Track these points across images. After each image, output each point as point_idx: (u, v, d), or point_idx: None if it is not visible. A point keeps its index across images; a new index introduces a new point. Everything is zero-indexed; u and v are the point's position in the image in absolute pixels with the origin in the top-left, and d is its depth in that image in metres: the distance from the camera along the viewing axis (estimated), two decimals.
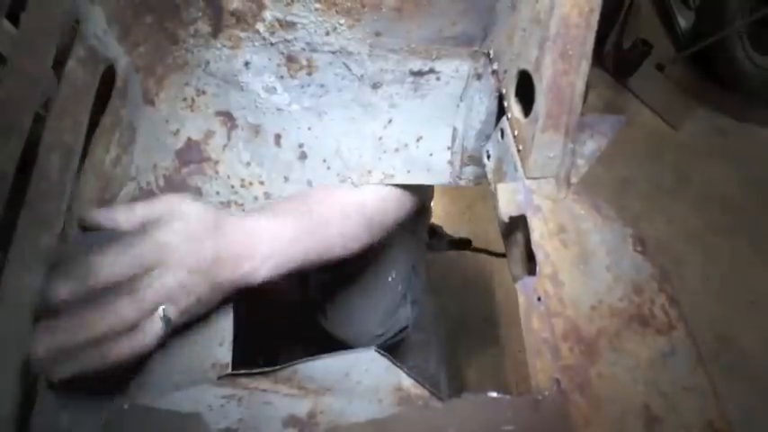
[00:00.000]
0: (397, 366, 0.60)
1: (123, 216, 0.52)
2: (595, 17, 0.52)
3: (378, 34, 0.63)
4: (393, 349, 1.13)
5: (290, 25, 0.62)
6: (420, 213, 1.09)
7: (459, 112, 0.72)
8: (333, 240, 0.69)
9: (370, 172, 0.73)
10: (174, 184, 0.66)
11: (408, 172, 0.74)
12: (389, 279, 1.06)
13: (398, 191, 0.75)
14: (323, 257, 0.68)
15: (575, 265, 0.52)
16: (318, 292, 1.10)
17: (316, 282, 1.10)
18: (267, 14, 0.61)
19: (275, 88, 0.67)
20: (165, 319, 0.51)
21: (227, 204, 0.69)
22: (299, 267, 0.65)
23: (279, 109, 0.68)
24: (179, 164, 0.67)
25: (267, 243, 0.61)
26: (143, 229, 0.51)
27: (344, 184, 0.72)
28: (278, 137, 0.70)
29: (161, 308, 0.51)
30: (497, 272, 1.82)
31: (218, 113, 0.68)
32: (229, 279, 0.58)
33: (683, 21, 2.69)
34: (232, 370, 0.60)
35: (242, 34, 0.63)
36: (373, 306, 1.05)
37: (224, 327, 0.63)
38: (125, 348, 0.49)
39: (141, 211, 0.53)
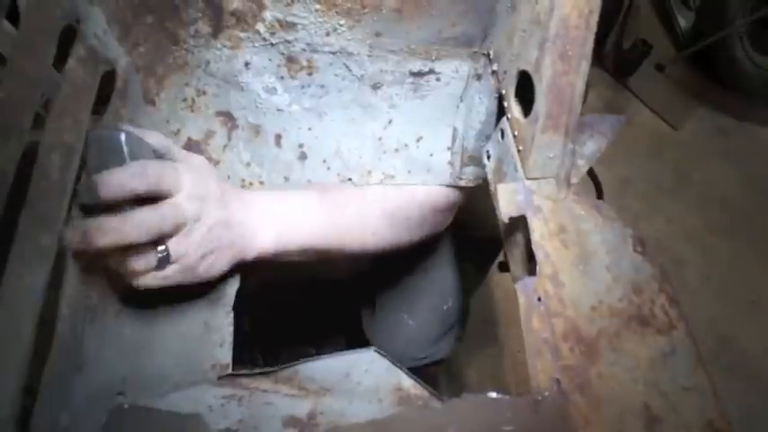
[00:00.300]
0: (397, 367, 0.60)
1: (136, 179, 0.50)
2: (595, 18, 0.52)
3: (378, 35, 0.64)
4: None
5: (290, 26, 0.62)
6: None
7: (459, 113, 0.72)
8: (350, 226, 0.68)
9: (370, 172, 0.73)
10: None
11: (408, 172, 0.73)
12: (445, 308, 1.02)
13: (431, 189, 0.73)
14: (343, 243, 0.68)
15: (575, 266, 0.52)
16: (370, 295, 1.07)
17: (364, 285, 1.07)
18: (267, 15, 0.61)
19: (275, 89, 0.67)
20: (162, 257, 0.51)
21: None
22: (312, 247, 0.65)
23: (279, 109, 0.68)
24: None
25: (276, 214, 0.62)
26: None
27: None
28: (278, 137, 0.70)
29: (160, 247, 0.51)
30: (497, 272, 1.83)
31: (219, 114, 0.68)
32: (236, 245, 0.58)
33: (683, 21, 2.69)
34: (232, 370, 0.60)
35: (242, 35, 0.63)
36: (423, 331, 1.00)
37: (224, 327, 0.63)
38: (128, 265, 0.50)
39: (153, 171, 0.51)
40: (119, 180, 0.48)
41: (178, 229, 0.52)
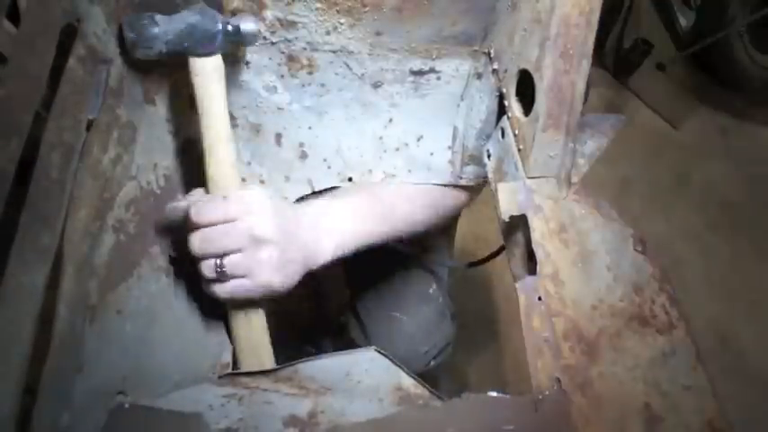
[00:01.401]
0: (398, 366, 0.60)
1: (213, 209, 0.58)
2: (596, 17, 0.52)
3: (378, 34, 0.63)
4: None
5: (290, 24, 0.62)
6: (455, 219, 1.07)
7: (460, 112, 0.72)
8: (398, 224, 0.72)
9: (370, 171, 0.73)
10: (174, 184, 0.66)
11: (409, 171, 0.73)
12: (430, 291, 1.02)
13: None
14: (393, 236, 0.72)
15: (575, 265, 0.52)
16: (350, 310, 1.06)
17: (340, 301, 1.07)
18: (268, 14, 0.61)
19: (276, 87, 0.67)
20: (220, 271, 0.58)
21: None
22: (363, 247, 0.69)
23: (279, 108, 0.68)
24: (179, 163, 0.67)
25: (336, 223, 0.66)
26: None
27: None
28: (278, 136, 0.70)
29: (218, 261, 0.58)
30: (497, 272, 1.82)
31: None
32: (303, 260, 0.62)
33: (684, 20, 2.68)
34: (232, 369, 0.60)
35: None
36: (416, 320, 0.99)
37: (224, 327, 0.63)
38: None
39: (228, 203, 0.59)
40: (198, 211, 0.58)
41: (239, 247, 0.58)
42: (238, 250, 0.58)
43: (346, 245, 0.67)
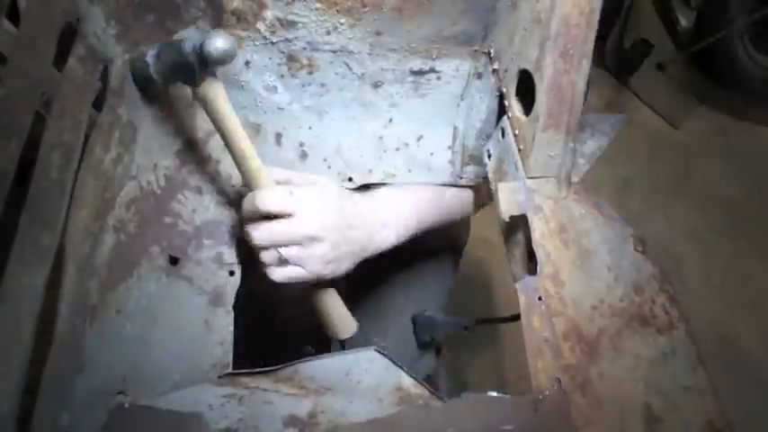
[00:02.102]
0: (398, 366, 0.60)
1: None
2: (596, 17, 0.52)
3: (378, 33, 0.63)
4: None
5: (290, 24, 0.62)
6: (460, 246, 1.07)
7: (460, 112, 0.72)
8: (449, 208, 0.78)
9: (370, 171, 0.73)
10: (174, 184, 0.66)
11: (409, 171, 0.73)
12: (426, 312, 0.95)
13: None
14: (441, 222, 0.77)
15: (575, 265, 0.52)
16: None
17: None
18: (268, 14, 0.61)
19: (276, 87, 0.67)
20: (282, 258, 0.62)
21: (229, 204, 0.69)
22: (421, 231, 0.74)
23: (279, 108, 0.68)
24: (180, 163, 0.67)
25: (398, 211, 0.71)
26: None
27: None
28: (279, 136, 0.70)
29: (279, 249, 0.62)
30: (497, 272, 1.83)
31: None
32: (358, 249, 0.67)
33: (684, 20, 2.68)
34: (232, 370, 0.60)
35: (243, 33, 0.63)
36: (398, 350, 0.90)
37: (224, 327, 0.63)
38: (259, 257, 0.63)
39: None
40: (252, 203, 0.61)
41: (294, 242, 0.62)
42: (294, 244, 0.62)
43: (407, 231, 0.72)
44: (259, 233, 0.62)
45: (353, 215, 0.67)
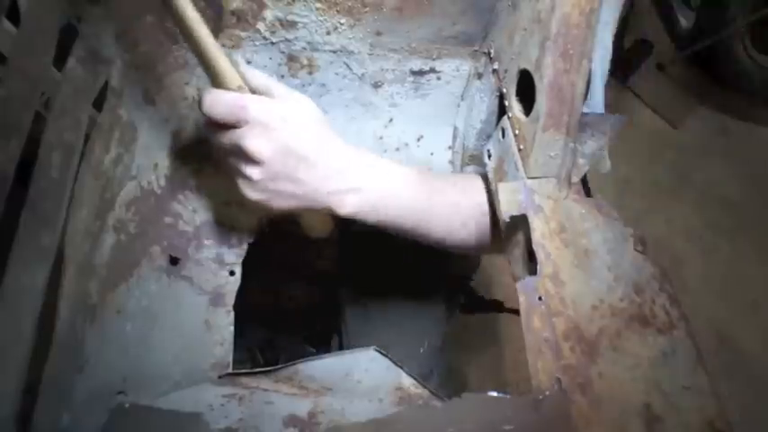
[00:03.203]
0: (398, 366, 0.60)
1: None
2: (596, 17, 0.52)
3: (378, 34, 0.63)
4: None
5: (290, 24, 0.62)
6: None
7: (460, 112, 0.72)
8: (443, 212, 0.64)
9: None
10: (174, 184, 0.66)
11: None
12: (421, 350, 0.93)
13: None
14: (429, 227, 0.63)
15: (575, 265, 0.52)
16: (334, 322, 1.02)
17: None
18: (268, 14, 0.61)
19: None
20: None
21: (229, 204, 0.69)
22: (399, 224, 0.62)
23: None
24: (180, 163, 0.67)
25: (375, 183, 0.59)
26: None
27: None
28: None
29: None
30: (497, 271, 1.82)
31: None
32: (308, 193, 0.57)
33: (684, 20, 2.68)
34: (232, 369, 0.60)
35: (243, 33, 0.63)
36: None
37: (224, 326, 0.63)
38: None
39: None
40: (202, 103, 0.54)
41: (234, 154, 0.55)
42: (231, 154, 0.55)
43: (373, 211, 0.60)
44: (209, 135, 0.56)
45: (316, 152, 0.56)
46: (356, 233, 0.72)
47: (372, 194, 0.59)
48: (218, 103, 0.53)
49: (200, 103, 0.54)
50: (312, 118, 0.57)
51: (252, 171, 0.55)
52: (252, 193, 0.56)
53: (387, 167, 0.61)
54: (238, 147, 0.54)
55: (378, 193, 0.60)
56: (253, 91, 0.55)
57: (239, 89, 0.55)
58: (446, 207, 0.64)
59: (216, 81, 0.55)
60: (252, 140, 0.53)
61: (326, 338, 1.24)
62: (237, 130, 0.53)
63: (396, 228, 0.63)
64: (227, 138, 0.54)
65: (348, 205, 0.58)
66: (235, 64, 0.55)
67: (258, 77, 0.56)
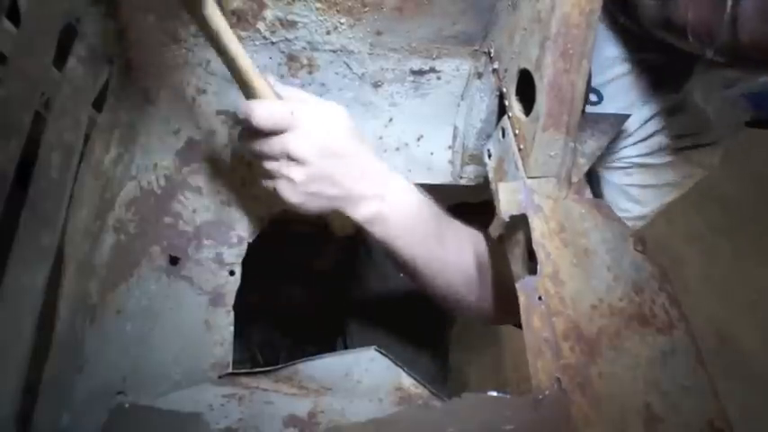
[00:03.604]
0: (398, 366, 0.60)
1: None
2: (596, 17, 0.52)
3: (378, 33, 0.63)
4: None
5: (291, 24, 0.62)
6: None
7: (460, 111, 0.72)
8: (436, 262, 0.65)
9: None
10: (174, 184, 0.66)
11: (409, 171, 0.73)
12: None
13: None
14: (426, 264, 0.65)
15: (575, 265, 0.52)
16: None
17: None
18: (268, 13, 0.61)
19: None
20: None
21: (229, 204, 0.69)
22: (397, 251, 0.63)
23: None
24: (180, 163, 0.67)
25: (393, 187, 0.61)
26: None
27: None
28: None
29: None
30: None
31: (219, 112, 0.68)
32: (342, 196, 0.59)
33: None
34: (232, 369, 0.60)
35: (243, 33, 0.63)
36: None
37: (224, 326, 0.63)
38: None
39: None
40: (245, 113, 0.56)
41: (275, 157, 0.57)
42: (274, 159, 0.57)
43: (384, 223, 0.61)
44: (249, 145, 0.58)
45: (353, 154, 0.59)
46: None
47: (390, 206, 0.61)
48: (270, 112, 0.55)
49: (245, 116, 0.55)
50: (347, 123, 0.60)
51: (295, 173, 0.57)
52: (292, 196, 0.58)
53: (408, 185, 0.64)
54: (284, 151, 0.56)
55: (396, 205, 0.61)
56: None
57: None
58: (454, 242, 0.66)
59: (250, 94, 0.57)
60: (297, 142, 0.56)
61: (327, 338, 1.25)
62: (283, 136, 0.56)
63: (396, 248, 0.63)
64: (273, 144, 0.56)
65: (365, 210, 0.60)
66: (264, 76, 0.57)
67: (287, 89, 0.59)
